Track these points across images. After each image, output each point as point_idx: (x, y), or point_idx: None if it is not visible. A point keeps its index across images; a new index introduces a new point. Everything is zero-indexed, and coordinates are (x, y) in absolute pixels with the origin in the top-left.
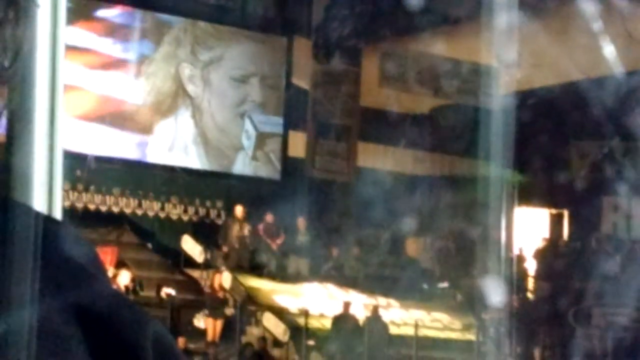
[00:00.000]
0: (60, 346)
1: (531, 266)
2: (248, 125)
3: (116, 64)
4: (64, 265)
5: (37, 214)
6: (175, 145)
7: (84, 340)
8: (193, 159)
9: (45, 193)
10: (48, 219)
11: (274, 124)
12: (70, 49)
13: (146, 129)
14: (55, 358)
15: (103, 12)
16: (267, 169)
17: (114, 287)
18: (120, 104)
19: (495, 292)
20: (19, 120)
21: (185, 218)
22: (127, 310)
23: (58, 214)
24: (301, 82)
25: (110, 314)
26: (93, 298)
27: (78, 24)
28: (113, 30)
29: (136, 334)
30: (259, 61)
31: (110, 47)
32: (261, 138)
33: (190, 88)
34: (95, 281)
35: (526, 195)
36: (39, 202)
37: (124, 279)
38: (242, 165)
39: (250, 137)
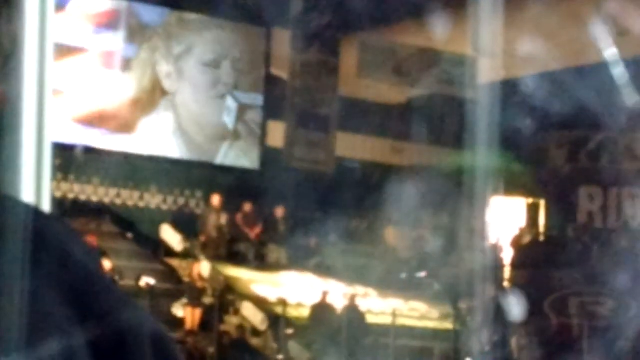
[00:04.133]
0: (60, 343)
1: (508, 255)
2: (229, 101)
3: (101, 62)
4: (62, 262)
5: (35, 210)
6: (156, 139)
7: (83, 338)
8: (173, 150)
9: (33, 185)
10: (44, 215)
11: (254, 98)
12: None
13: (127, 127)
14: (55, 355)
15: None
16: (248, 148)
17: (112, 282)
18: (102, 104)
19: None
20: (7, 112)
21: (164, 207)
22: (127, 309)
23: (47, 206)
24: (280, 72)
25: (110, 312)
26: (92, 295)
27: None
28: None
29: (135, 333)
30: (228, 46)
31: (95, 46)
32: (242, 109)
33: (167, 84)
34: (93, 278)
35: (502, 185)
36: (27, 194)
37: None
38: (222, 157)
39: (232, 112)
